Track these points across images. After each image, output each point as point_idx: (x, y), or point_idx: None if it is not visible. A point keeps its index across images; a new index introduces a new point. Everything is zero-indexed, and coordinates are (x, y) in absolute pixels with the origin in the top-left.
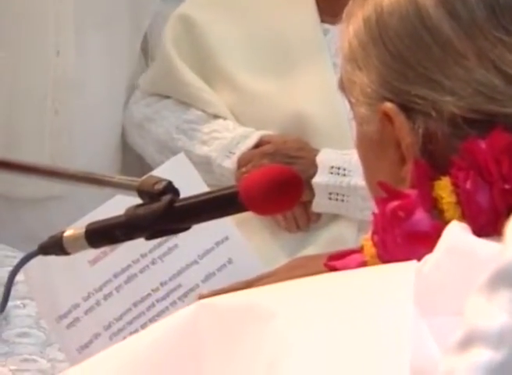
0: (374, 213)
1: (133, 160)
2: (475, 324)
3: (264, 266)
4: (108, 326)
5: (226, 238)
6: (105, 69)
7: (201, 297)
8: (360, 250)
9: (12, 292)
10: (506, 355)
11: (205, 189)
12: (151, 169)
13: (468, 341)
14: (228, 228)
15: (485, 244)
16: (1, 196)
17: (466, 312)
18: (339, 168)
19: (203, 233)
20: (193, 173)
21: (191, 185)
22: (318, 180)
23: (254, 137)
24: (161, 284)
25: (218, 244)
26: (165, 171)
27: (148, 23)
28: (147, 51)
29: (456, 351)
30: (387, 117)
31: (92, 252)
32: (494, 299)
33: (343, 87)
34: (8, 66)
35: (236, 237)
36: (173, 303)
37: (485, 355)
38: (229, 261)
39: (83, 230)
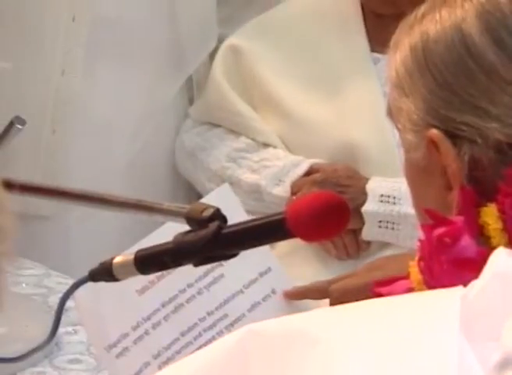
0: (420, 240)
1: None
2: (511, 347)
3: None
4: (157, 355)
5: (269, 269)
6: (114, 97)
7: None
8: (406, 276)
9: (64, 318)
10: None
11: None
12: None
13: (505, 364)
14: (270, 260)
15: None
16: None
17: (503, 335)
18: (389, 196)
19: (247, 263)
20: (236, 204)
21: (234, 215)
22: (367, 208)
23: (304, 165)
24: (208, 314)
25: (261, 274)
26: (209, 201)
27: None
28: (191, 80)
29: (495, 372)
30: (433, 144)
31: (140, 282)
32: None
33: (391, 114)
34: (12, 79)
35: (278, 269)
36: (220, 332)
37: None
38: (273, 291)
39: (133, 256)
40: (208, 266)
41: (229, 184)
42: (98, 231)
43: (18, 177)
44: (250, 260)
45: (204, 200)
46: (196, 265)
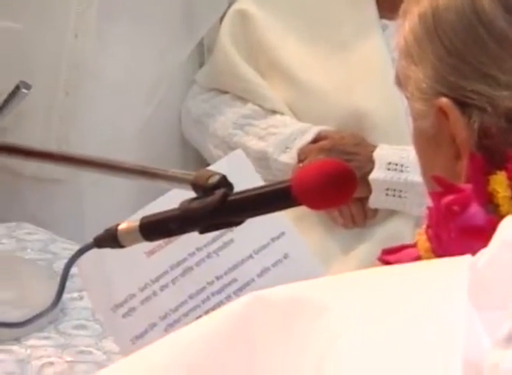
0: (428, 207)
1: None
2: None
3: (320, 262)
4: (164, 317)
5: (283, 234)
6: (127, 60)
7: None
8: (414, 244)
9: (70, 284)
10: None
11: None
12: (199, 163)
13: None
14: (284, 224)
15: None
16: (8, 171)
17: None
18: (396, 164)
19: (259, 228)
20: (250, 169)
21: (248, 181)
22: (375, 176)
23: (312, 132)
24: (217, 278)
25: (274, 239)
26: (222, 167)
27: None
28: (202, 45)
29: (503, 345)
30: (442, 112)
31: (148, 244)
32: None
33: (400, 82)
34: (23, 40)
35: (292, 233)
36: (228, 297)
37: None
38: (285, 256)
39: (138, 223)
40: (218, 232)
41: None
42: (111, 195)
43: (30, 141)
44: (262, 226)
45: (215, 165)
46: (201, 232)
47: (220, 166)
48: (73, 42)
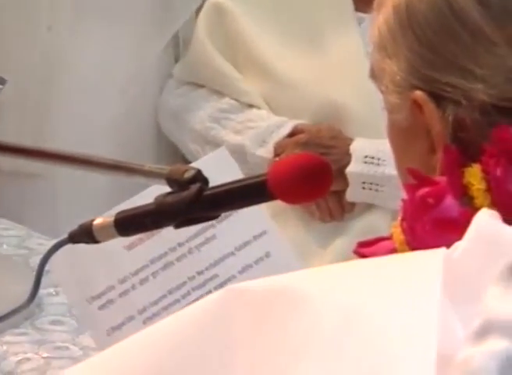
0: (403, 200)
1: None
2: (492, 313)
3: (299, 260)
4: (143, 310)
5: (264, 232)
6: (102, 54)
7: None
8: (389, 237)
9: (46, 280)
10: None
11: None
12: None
13: (485, 330)
14: (266, 223)
15: None
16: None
17: (484, 300)
18: (373, 157)
19: (241, 226)
20: (234, 168)
21: (232, 179)
22: (351, 169)
23: (288, 126)
24: (198, 273)
25: (256, 237)
26: (205, 164)
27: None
28: (177, 38)
29: (474, 340)
30: (417, 105)
31: (129, 238)
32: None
33: (374, 75)
34: None
35: (274, 232)
36: (209, 292)
37: (501, 344)
38: (267, 255)
39: (113, 218)
40: (200, 227)
41: (215, 147)
42: (86, 191)
43: (4, 136)
44: (244, 223)
45: (198, 162)
46: (177, 226)
47: (204, 164)
48: (47, 35)
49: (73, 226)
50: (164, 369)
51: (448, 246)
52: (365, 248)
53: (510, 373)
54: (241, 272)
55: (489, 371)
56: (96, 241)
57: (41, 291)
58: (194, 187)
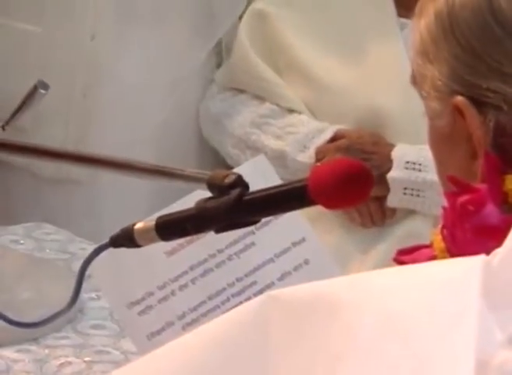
0: (444, 207)
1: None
2: None
3: (338, 266)
4: (182, 316)
5: (303, 239)
6: (145, 61)
7: None
8: (429, 245)
9: (87, 284)
10: None
11: None
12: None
13: None
14: (305, 229)
15: None
16: (28, 172)
17: None
18: (414, 163)
19: (280, 233)
20: (272, 174)
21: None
22: (393, 175)
23: (329, 131)
24: (237, 280)
25: (295, 244)
26: (244, 171)
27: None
28: (220, 44)
29: (510, 344)
30: (458, 111)
31: (169, 244)
32: None
33: (415, 81)
34: (41, 43)
35: (313, 239)
36: (248, 299)
37: None
38: (306, 262)
39: (154, 222)
40: (239, 234)
41: (256, 152)
42: (128, 196)
43: (48, 142)
44: (283, 230)
45: (238, 169)
46: (217, 231)
47: (243, 171)
48: (90, 44)
49: (116, 231)
50: (204, 372)
51: (487, 253)
52: (405, 256)
53: None
54: (280, 279)
55: None
56: (137, 245)
57: (83, 296)
58: (235, 192)
